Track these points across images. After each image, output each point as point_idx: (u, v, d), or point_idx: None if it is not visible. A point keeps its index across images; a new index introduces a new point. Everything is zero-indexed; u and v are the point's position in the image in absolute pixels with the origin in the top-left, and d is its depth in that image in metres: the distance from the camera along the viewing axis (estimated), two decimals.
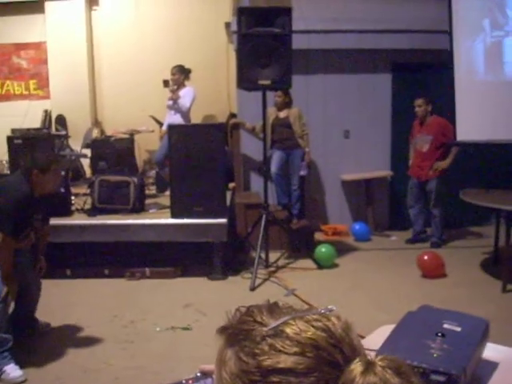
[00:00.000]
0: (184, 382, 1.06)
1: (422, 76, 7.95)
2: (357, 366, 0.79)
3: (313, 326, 0.83)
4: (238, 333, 0.86)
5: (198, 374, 1.08)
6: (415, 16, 7.61)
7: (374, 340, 1.71)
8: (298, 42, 6.35)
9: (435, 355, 1.58)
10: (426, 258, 6.05)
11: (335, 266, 6.50)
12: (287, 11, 5.96)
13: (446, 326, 1.71)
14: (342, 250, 6.98)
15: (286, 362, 0.79)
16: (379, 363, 0.79)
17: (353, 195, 8.30)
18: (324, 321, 0.84)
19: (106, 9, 9.96)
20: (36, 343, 4.51)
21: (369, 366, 0.78)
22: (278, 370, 0.79)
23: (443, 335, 1.65)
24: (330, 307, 0.88)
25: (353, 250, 7.20)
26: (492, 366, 1.71)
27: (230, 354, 0.85)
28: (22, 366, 4.02)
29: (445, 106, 6.83)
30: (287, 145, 7.33)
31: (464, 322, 1.73)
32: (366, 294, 5.43)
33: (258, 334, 0.84)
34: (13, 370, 3.85)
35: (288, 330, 0.82)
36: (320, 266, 6.37)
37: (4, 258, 3.93)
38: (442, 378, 1.50)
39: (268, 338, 0.82)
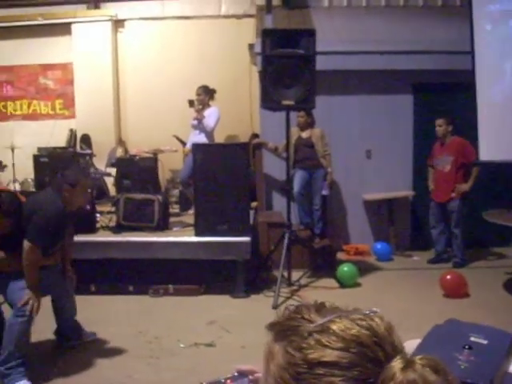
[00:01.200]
0: (223, 380, 1.10)
1: (443, 97, 7.99)
2: (397, 363, 0.83)
3: (357, 325, 0.87)
4: (287, 329, 0.91)
5: (236, 374, 1.12)
6: (436, 37, 7.68)
7: None
8: (320, 64, 6.42)
9: (462, 367, 1.61)
10: (448, 277, 6.05)
11: (357, 285, 6.51)
12: (311, 33, 6.05)
13: (472, 338, 1.74)
14: (363, 269, 6.99)
15: (330, 355, 0.84)
16: (418, 361, 0.83)
17: (374, 215, 8.32)
18: (368, 320, 0.89)
19: (131, 31, 10.14)
20: (62, 357, 4.58)
21: (408, 364, 0.83)
22: (323, 363, 0.84)
23: (470, 347, 1.68)
24: (374, 309, 0.93)
25: (375, 270, 7.21)
26: None
27: (278, 348, 0.90)
28: (48, 378, 4.10)
29: (466, 127, 6.85)
30: (309, 165, 7.38)
31: (490, 335, 1.76)
32: (389, 313, 5.33)
33: (305, 329, 0.88)
34: None
35: (334, 327, 0.87)
36: (342, 285, 6.39)
37: (30, 269, 4.01)
38: None
39: (315, 333, 0.87)
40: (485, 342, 1.73)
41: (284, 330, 0.91)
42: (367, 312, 0.92)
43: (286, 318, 0.93)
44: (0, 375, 3.98)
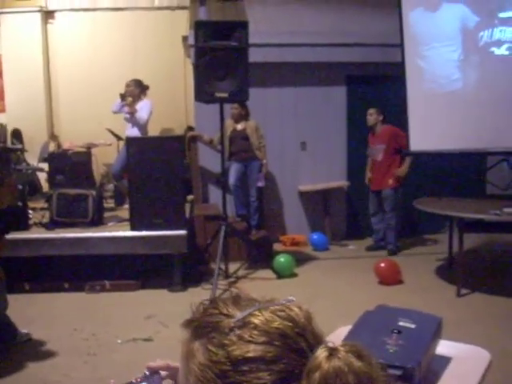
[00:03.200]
0: (134, 381, 1.08)
1: (375, 88, 8.14)
2: (321, 352, 0.83)
3: (278, 316, 0.87)
4: (205, 325, 0.89)
5: (147, 373, 1.10)
6: (368, 29, 7.80)
7: (332, 340, 1.79)
8: (255, 56, 6.45)
9: (391, 351, 1.66)
10: (382, 265, 6.18)
11: (294, 275, 6.58)
12: (244, 25, 6.05)
13: (401, 323, 1.79)
14: (300, 259, 7.06)
15: (255, 351, 0.83)
16: (342, 349, 0.84)
17: (310, 206, 8.42)
18: (287, 311, 0.89)
19: (62, 22, 9.93)
20: None
21: (333, 352, 0.83)
22: (248, 359, 0.83)
23: (399, 332, 1.73)
24: (290, 298, 0.92)
25: (311, 260, 7.30)
26: (445, 360, 1.81)
27: (198, 345, 0.88)
28: None
29: (398, 118, 7.00)
30: (245, 157, 7.40)
31: (418, 319, 1.82)
32: (326, 301, 5.51)
33: (225, 325, 0.87)
34: None
35: (255, 321, 0.86)
36: (279, 276, 6.44)
37: None
38: (398, 372, 1.58)
39: (236, 329, 0.86)
40: (413, 326, 1.79)
41: (202, 326, 0.89)
42: (284, 301, 0.91)
43: (203, 313, 0.92)
44: None
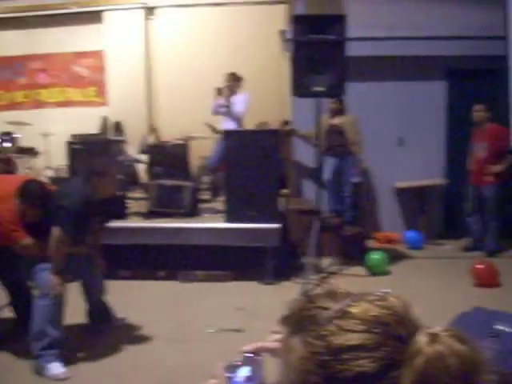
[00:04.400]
0: (236, 363, 1.08)
1: (477, 82, 7.86)
2: (422, 338, 0.83)
3: (376, 306, 0.87)
4: (302, 320, 0.90)
5: (249, 355, 1.10)
6: (471, 22, 7.54)
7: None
8: (352, 50, 6.36)
9: (488, 355, 1.60)
10: (479, 266, 5.98)
11: (387, 273, 6.48)
12: (342, 18, 5.99)
13: (498, 326, 1.72)
14: (394, 257, 6.94)
15: (355, 339, 0.83)
16: (443, 333, 0.83)
17: (406, 203, 8.25)
18: (385, 300, 0.88)
19: (162, 17, 10.17)
20: (92, 340, 4.65)
21: (434, 337, 0.82)
22: (348, 347, 0.83)
23: (495, 335, 1.67)
24: (385, 290, 0.92)
25: (405, 258, 7.15)
26: None
27: (297, 340, 0.89)
28: (77, 362, 4.19)
29: (500, 113, 6.74)
30: (340, 152, 7.34)
31: None
32: (418, 301, 5.31)
33: (322, 317, 0.88)
34: (56, 368, 4.01)
35: (353, 310, 0.87)
36: (372, 273, 6.36)
37: (57, 255, 4.07)
38: (495, 378, 1.52)
39: (334, 319, 0.86)
40: (511, 330, 1.72)
41: (299, 321, 0.90)
42: (381, 293, 0.91)
43: (299, 309, 0.92)
44: (34, 356, 4.07)
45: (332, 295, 0.93)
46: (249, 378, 1.07)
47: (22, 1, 10.05)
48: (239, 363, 1.08)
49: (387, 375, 0.82)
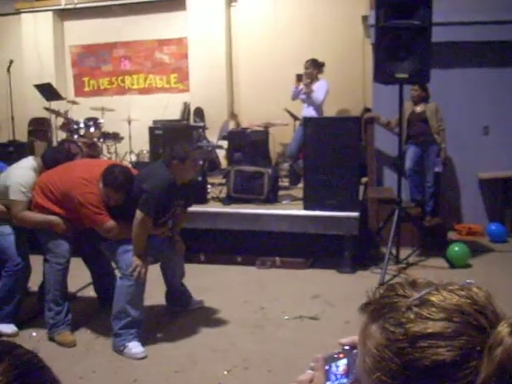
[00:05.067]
0: (336, 356, 1.06)
1: None
2: (504, 328, 0.80)
3: (456, 294, 0.86)
4: (382, 307, 0.88)
5: (347, 347, 1.08)
6: None
7: None
8: (436, 35, 6.18)
9: None
10: None
11: (468, 266, 6.29)
12: (427, 2, 5.82)
13: None
14: (475, 250, 6.74)
15: (433, 327, 0.82)
16: None
17: (490, 194, 7.99)
18: (466, 290, 0.87)
19: (244, 4, 10.21)
20: (170, 322, 4.75)
21: None
22: (427, 335, 0.82)
23: None
24: (468, 281, 0.90)
25: (487, 252, 6.94)
26: None
27: (375, 327, 0.88)
28: (155, 342, 4.31)
29: None
30: (423, 140, 7.18)
31: None
32: (500, 295, 5.19)
33: (402, 304, 0.86)
34: (135, 347, 4.13)
35: (433, 299, 0.85)
36: (452, 266, 6.20)
37: (140, 238, 4.17)
38: None
39: (413, 307, 0.85)
40: None
41: (379, 308, 0.89)
42: (463, 284, 0.89)
43: (379, 297, 0.91)
44: (113, 335, 4.20)
45: (413, 284, 0.91)
46: (346, 371, 1.05)
47: None
48: (339, 355, 1.06)
49: (465, 365, 0.80)
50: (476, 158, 7.87)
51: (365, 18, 8.35)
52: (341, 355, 1.06)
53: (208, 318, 4.86)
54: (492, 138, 7.84)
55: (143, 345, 4.18)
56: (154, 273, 4.70)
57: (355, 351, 1.02)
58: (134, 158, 9.11)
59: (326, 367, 1.05)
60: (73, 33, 11.17)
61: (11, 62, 8.72)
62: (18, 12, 11.07)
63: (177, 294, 4.94)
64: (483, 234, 7.56)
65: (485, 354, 0.80)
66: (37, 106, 9.68)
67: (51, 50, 11.07)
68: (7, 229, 4.54)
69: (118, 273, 4.41)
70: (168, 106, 9.97)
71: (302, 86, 7.44)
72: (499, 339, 0.79)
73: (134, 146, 9.24)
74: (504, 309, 0.87)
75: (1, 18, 11.33)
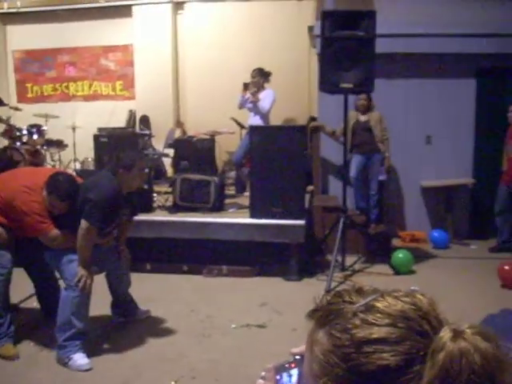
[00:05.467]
0: (287, 365, 1.06)
1: (508, 81, 7.74)
2: (446, 333, 0.82)
3: (401, 301, 0.88)
4: (329, 313, 0.90)
5: (298, 357, 1.08)
6: (501, 19, 7.44)
7: None
8: (381, 46, 6.31)
9: None
10: (506, 267, 5.90)
11: (412, 272, 6.42)
12: (371, 14, 5.94)
13: None
14: (419, 256, 6.88)
15: (378, 332, 0.84)
16: (468, 330, 0.82)
17: (432, 202, 8.17)
18: (411, 297, 0.89)
19: (191, 12, 10.19)
20: (116, 332, 4.69)
21: (458, 333, 0.82)
22: (372, 340, 0.83)
23: None
24: (413, 288, 0.93)
25: (431, 258, 7.09)
26: None
27: (322, 333, 0.89)
28: (101, 353, 4.23)
29: None
30: (367, 149, 7.29)
31: None
32: (443, 301, 5.20)
33: (348, 311, 0.88)
34: (80, 358, 4.06)
35: (378, 305, 0.87)
36: (397, 272, 6.31)
37: (85, 248, 4.10)
38: None
39: (359, 313, 0.87)
40: None
41: (326, 315, 0.90)
42: (407, 290, 0.91)
43: (326, 303, 0.93)
44: (57, 346, 4.11)
45: (359, 291, 0.93)
46: (298, 381, 1.05)
47: None
48: (290, 365, 1.06)
49: (409, 370, 0.82)
50: (419, 166, 8.04)
51: (311, 29, 8.45)
52: (292, 365, 1.06)
53: (154, 328, 4.81)
54: (434, 147, 8.04)
55: (88, 356, 4.11)
56: (100, 283, 4.63)
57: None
58: (78, 165, 8.97)
59: (277, 377, 1.05)
60: (16, 37, 10.93)
61: None
62: None
63: (123, 304, 4.87)
64: (426, 240, 7.73)
65: (428, 358, 0.82)
66: None
67: None
68: None
69: (62, 283, 4.32)
70: (113, 114, 9.88)
71: (248, 94, 7.48)
72: (441, 344, 0.81)
73: (79, 154, 9.10)
74: (447, 314, 0.89)
75: None
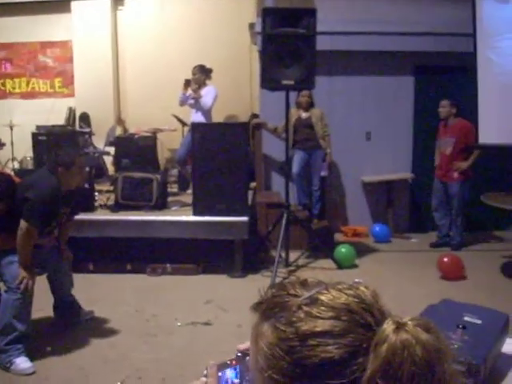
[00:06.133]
0: (228, 362, 1.07)
1: (445, 79, 7.94)
2: (388, 326, 0.84)
3: (345, 294, 0.89)
4: (273, 306, 0.91)
5: (239, 354, 1.09)
6: (439, 18, 7.61)
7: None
8: (322, 44, 6.37)
9: (456, 346, 1.61)
10: (445, 259, 6.06)
11: (355, 266, 6.52)
12: (312, 12, 6.00)
13: (466, 318, 1.74)
14: (361, 250, 7.00)
15: (322, 325, 0.85)
16: (409, 322, 0.84)
17: (373, 197, 8.31)
18: (354, 289, 0.90)
19: (131, 8, 10.08)
20: (59, 334, 4.61)
21: (400, 325, 0.83)
22: (316, 333, 0.84)
23: (464, 327, 1.68)
24: (357, 280, 0.94)
25: (372, 252, 7.22)
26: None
27: (267, 326, 0.90)
28: (44, 356, 4.15)
29: (468, 110, 6.82)
30: (309, 145, 7.35)
31: (484, 316, 1.76)
32: (386, 293, 5.30)
33: (293, 303, 0.89)
34: (22, 362, 3.97)
35: (322, 298, 0.88)
36: (340, 266, 6.39)
37: (25, 249, 4.02)
38: (462, 368, 1.54)
39: (304, 306, 0.88)
40: (479, 322, 1.74)
41: (271, 307, 0.91)
42: (352, 283, 0.93)
43: (270, 296, 0.93)
44: (1, 351, 4.01)
45: (303, 283, 0.94)
46: (238, 378, 1.06)
47: None
48: (232, 362, 1.07)
49: (353, 362, 0.83)
50: (359, 162, 8.17)
51: (252, 25, 8.46)
52: (233, 362, 1.07)
53: (99, 328, 4.74)
54: (374, 143, 8.18)
55: (31, 360, 4.02)
56: (41, 284, 4.54)
57: (248, 358, 1.04)
58: (16, 165, 8.77)
59: (219, 374, 1.06)
60: None
61: None
62: None
63: (65, 305, 4.78)
64: (368, 234, 7.86)
65: (371, 350, 0.83)
66: None
67: None
68: None
69: (2, 286, 4.22)
70: (52, 111, 9.68)
71: (190, 91, 7.44)
72: (384, 336, 0.82)
73: (17, 153, 8.90)
74: (389, 306, 0.91)
75: None
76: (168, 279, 6.09)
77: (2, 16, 10.10)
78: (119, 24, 10.15)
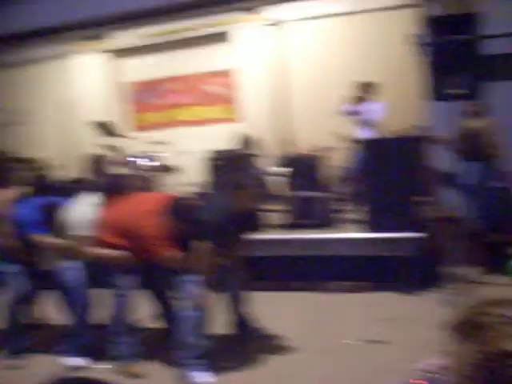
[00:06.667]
0: (411, 381, 1.06)
1: None
2: None
3: None
4: (472, 326, 0.90)
5: (428, 374, 1.07)
6: None
7: None
8: (490, 48, 6.09)
9: None
10: None
11: None
12: (479, 17, 5.77)
13: None
14: None
15: None
16: None
17: None
18: None
19: (290, 32, 10.31)
20: (237, 350, 4.76)
21: None
22: None
23: None
24: None
25: None
26: None
27: (465, 346, 0.90)
28: (222, 371, 4.34)
29: None
30: (481, 156, 7.04)
31: None
32: None
33: (492, 323, 0.87)
34: (203, 377, 4.18)
35: None
36: None
37: (203, 268, 4.22)
38: None
39: (503, 325, 0.87)
40: None
41: (470, 327, 0.91)
42: None
43: (468, 316, 0.93)
44: (180, 366, 4.22)
45: (499, 303, 0.93)
46: None
47: (151, 28, 10.53)
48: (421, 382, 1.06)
49: None
50: None
51: (412, 36, 8.28)
52: (423, 382, 1.05)
53: (273, 345, 4.90)
54: None
55: (211, 375, 4.18)
56: (219, 302, 4.71)
57: (437, 375, 1.02)
58: (190, 189, 9.18)
59: None
60: (125, 69, 11.42)
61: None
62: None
63: (242, 322, 4.95)
64: None
65: None
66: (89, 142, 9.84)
67: (105, 87, 11.35)
68: (78, 264, 4.66)
69: (182, 303, 4.43)
70: (223, 137, 10.05)
71: (359, 107, 7.42)
72: None
73: (188, 178, 9.32)
74: None
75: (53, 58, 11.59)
76: (339, 296, 6.10)
77: (167, 51, 10.76)
78: (280, 48, 10.38)
